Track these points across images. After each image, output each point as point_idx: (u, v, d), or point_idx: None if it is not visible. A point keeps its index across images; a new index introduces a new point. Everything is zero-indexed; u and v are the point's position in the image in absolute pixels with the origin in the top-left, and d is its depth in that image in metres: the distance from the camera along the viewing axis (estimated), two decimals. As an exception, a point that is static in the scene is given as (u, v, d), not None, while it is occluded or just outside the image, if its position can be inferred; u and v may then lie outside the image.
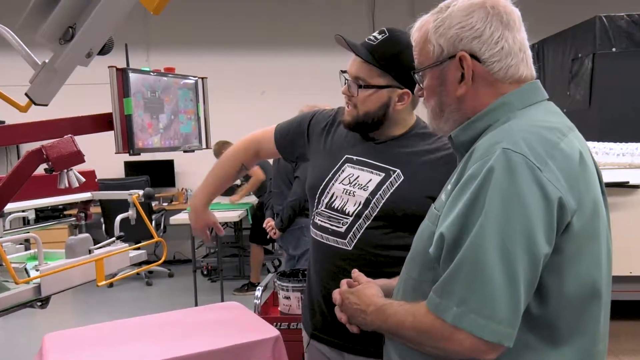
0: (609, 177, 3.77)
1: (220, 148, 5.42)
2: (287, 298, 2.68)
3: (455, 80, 1.06)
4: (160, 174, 6.67)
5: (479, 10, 1.04)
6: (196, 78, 2.08)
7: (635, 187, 3.74)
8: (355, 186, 1.55)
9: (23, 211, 2.10)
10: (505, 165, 0.91)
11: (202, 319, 1.94)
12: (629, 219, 3.67)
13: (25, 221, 2.23)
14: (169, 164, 6.74)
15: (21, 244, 2.12)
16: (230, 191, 6.22)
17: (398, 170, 1.52)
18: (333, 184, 1.59)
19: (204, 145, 2.12)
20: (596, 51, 4.60)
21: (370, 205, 1.51)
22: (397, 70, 1.48)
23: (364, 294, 1.16)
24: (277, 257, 5.87)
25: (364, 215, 1.52)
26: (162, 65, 2.02)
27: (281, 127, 1.79)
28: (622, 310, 3.60)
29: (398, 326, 1.02)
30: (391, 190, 1.51)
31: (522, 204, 0.89)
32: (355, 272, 1.29)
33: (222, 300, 4.68)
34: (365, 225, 1.51)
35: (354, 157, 1.59)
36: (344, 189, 1.56)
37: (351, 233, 1.53)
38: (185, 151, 2.07)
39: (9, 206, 1.77)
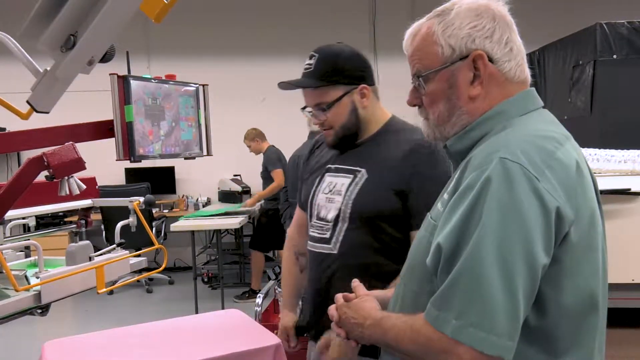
0: (610, 184, 3.77)
1: (256, 135, 5.58)
2: (288, 305, 2.66)
3: (467, 81, 1.04)
4: (161, 181, 6.67)
5: (487, 11, 1.04)
6: (197, 85, 2.08)
7: (636, 194, 3.73)
8: (334, 193, 1.62)
9: (23, 218, 2.10)
10: (503, 175, 0.90)
11: (202, 326, 1.94)
12: (630, 226, 3.66)
13: (26, 228, 2.22)
14: (170, 171, 6.74)
15: (21, 251, 2.12)
16: (231, 199, 6.22)
17: (363, 170, 1.58)
18: (317, 195, 1.67)
19: (204, 152, 2.12)
20: (597, 58, 4.60)
21: (343, 208, 1.57)
22: (342, 76, 1.56)
23: (361, 307, 1.14)
24: (278, 264, 5.86)
25: (341, 218, 1.58)
26: (163, 73, 2.02)
27: (298, 197, 1.84)
28: (624, 318, 3.58)
29: (397, 339, 1.01)
30: (356, 190, 1.57)
31: (520, 214, 0.88)
32: (355, 282, 1.27)
33: (223, 308, 4.67)
34: (345, 228, 1.57)
35: (333, 166, 1.66)
36: (325, 197, 1.64)
37: (334, 237, 1.59)
38: (186, 158, 2.06)
39: (10, 213, 1.77)
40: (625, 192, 3.73)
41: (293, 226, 1.88)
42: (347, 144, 1.64)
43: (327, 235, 1.61)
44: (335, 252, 1.59)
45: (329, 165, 1.68)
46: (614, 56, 4.58)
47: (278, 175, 5.28)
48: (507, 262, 0.87)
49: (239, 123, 6.00)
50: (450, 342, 0.89)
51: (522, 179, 0.89)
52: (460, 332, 0.88)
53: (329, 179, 1.65)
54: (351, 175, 1.59)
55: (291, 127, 5.09)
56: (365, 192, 1.55)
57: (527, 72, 1.07)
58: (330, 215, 1.60)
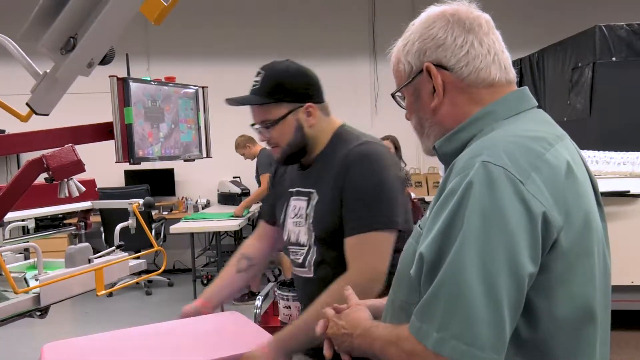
0: (609, 186, 3.77)
1: (246, 142, 5.57)
2: (288, 307, 2.67)
3: (429, 93, 1.04)
4: (161, 183, 6.66)
5: (439, 20, 1.03)
6: (197, 87, 2.08)
7: (635, 196, 3.74)
8: (300, 217, 1.64)
9: (23, 220, 2.10)
10: (485, 179, 0.86)
11: (202, 328, 1.93)
12: (629, 228, 3.66)
13: (25, 230, 2.23)
14: (169, 173, 6.74)
15: (21, 253, 2.12)
16: (231, 201, 6.22)
17: (314, 191, 1.60)
18: (287, 220, 1.69)
19: (204, 155, 2.12)
20: (596, 60, 4.61)
21: (307, 231, 1.60)
22: (287, 94, 1.56)
23: (352, 317, 1.12)
24: (277, 266, 5.86)
25: (309, 242, 1.61)
26: (163, 75, 2.02)
27: (263, 211, 1.90)
28: (623, 320, 3.58)
29: (383, 350, 0.98)
30: (312, 214, 1.58)
31: (503, 220, 0.84)
32: (348, 290, 1.25)
33: (222, 310, 4.66)
34: (313, 251, 1.60)
35: (294, 190, 1.68)
36: (293, 222, 1.66)
37: (307, 261, 1.62)
38: (185, 160, 2.07)
39: (9, 215, 1.77)
40: (624, 194, 3.74)
41: (252, 236, 1.91)
42: (295, 160, 1.65)
43: (301, 259, 1.64)
44: (311, 275, 1.63)
45: (291, 189, 1.70)
46: (613, 58, 4.59)
47: (264, 179, 5.27)
48: (490, 271, 0.83)
49: (238, 125, 5.97)
50: (431, 355, 0.85)
51: (504, 182, 0.85)
52: (442, 345, 0.84)
53: (293, 202, 1.68)
54: (306, 198, 1.62)
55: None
56: (319, 214, 1.57)
57: (496, 73, 1.02)
58: (301, 240, 1.64)
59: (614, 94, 4.60)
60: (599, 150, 4.08)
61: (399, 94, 1.12)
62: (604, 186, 3.79)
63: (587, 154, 3.97)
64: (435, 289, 0.87)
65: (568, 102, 5.00)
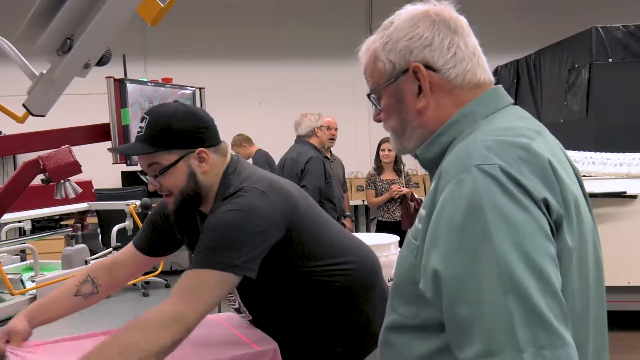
0: (606, 187, 3.79)
1: (242, 141, 5.58)
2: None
3: (413, 94, 1.01)
4: (158, 184, 6.66)
5: (424, 19, 1.01)
6: (194, 88, 2.08)
7: (632, 197, 3.75)
8: None
9: (19, 222, 2.10)
10: (487, 181, 0.84)
11: (198, 330, 1.93)
12: (626, 229, 3.67)
13: (22, 232, 2.23)
14: (167, 174, 6.73)
15: (17, 254, 2.12)
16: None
17: None
18: None
19: (201, 156, 2.12)
20: (593, 62, 4.63)
21: None
22: (175, 140, 1.44)
23: None
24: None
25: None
26: (160, 76, 2.02)
27: (138, 236, 1.74)
28: (620, 321, 3.59)
29: None
30: None
31: (524, 213, 0.82)
32: None
33: (220, 311, 4.65)
34: (238, 297, 1.64)
35: None
36: None
37: (241, 307, 1.68)
38: (182, 161, 2.06)
39: (5, 216, 1.77)
40: (620, 195, 3.75)
41: (110, 259, 1.73)
42: (190, 209, 1.54)
43: (237, 305, 1.68)
44: (251, 317, 1.69)
45: None
46: (610, 60, 4.61)
47: None
48: (539, 269, 0.80)
49: (235, 126, 6.00)
50: None
51: (505, 178, 0.84)
52: None
53: None
54: None
55: (288, 130, 5.11)
56: None
57: (481, 74, 1.02)
58: None
59: (611, 95, 4.61)
60: (595, 152, 4.09)
61: (373, 94, 1.07)
62: (600, 187, 3.80)
63: (584, 155, 3.98)
64: (500, 309, 0.80)
65: (565, 104, 5.01)
